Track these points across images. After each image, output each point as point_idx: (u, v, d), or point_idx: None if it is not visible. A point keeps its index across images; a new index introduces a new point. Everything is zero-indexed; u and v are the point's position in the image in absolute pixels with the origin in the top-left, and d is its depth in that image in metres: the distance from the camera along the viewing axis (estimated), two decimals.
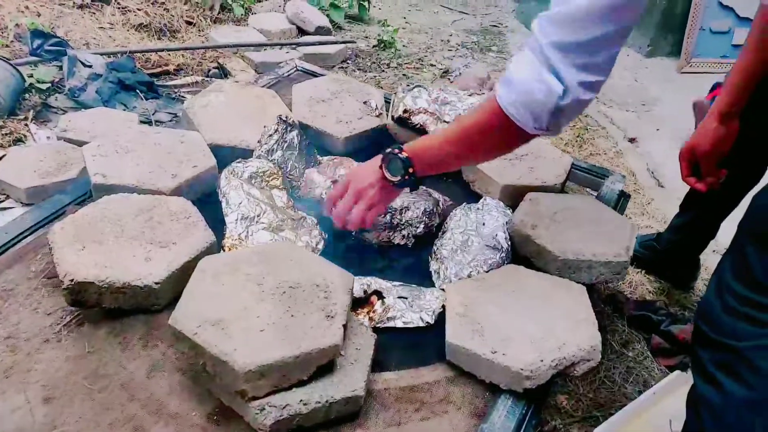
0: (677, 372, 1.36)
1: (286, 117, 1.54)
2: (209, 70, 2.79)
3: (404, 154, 1.09)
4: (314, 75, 2.02)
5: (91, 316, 1.08)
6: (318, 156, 1.58)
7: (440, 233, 1.38)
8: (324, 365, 0.90)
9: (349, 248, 1.36)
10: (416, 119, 1.60)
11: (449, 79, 3.14)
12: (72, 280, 1.02)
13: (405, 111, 1.60)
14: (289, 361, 0.86)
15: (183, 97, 2.45)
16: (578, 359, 0.99)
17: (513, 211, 1.39)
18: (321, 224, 1.37)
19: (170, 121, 2.27)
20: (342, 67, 3.12)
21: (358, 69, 3.13)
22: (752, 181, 1.54)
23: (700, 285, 1.84)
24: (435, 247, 1.34)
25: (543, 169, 1.50)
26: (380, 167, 1.13)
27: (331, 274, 1.00)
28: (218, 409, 0.94)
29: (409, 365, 1.06)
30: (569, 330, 1.02)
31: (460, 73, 3.10)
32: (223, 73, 2.80)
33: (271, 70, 2.16)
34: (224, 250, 1.21)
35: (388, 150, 1.12)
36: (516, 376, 0.96)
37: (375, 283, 1.20)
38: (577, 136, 2.67)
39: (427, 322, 1.12)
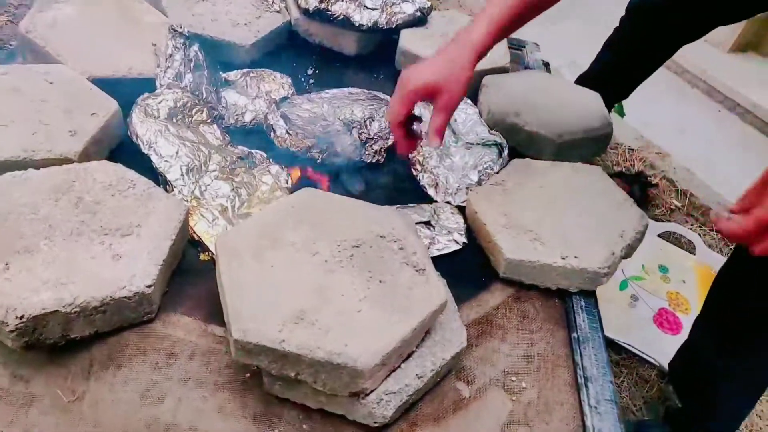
0: None
1: (181, 26, 1.19)
2: None
3: None
4: None
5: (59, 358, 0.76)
6: (221, 73, 1.26)
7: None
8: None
9: (323, 177, 1.14)
10: (337, 9, 1.34)
11: None
12: (21, 317, 0.69)
13: (321, 1, 1.33)
14: (408, 337, 0.69)
15: None
16: (636, 241, 0.97)
17: (472, 101, 1.28)
18: (272, 157, 1.12)
19: None
20: None
21: None
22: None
23: None
24: (412, 155, 1.19)
25: None
26: None
27: (387, 218, 0.81)
28: (302, 415, 0.75)
29: (457, 296, 0.94)
30: (618, 215, 0.99)
31: None
32: None
33: None
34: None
35: None
36: (592, 277, 0.91)
37: None
38: None
39: (463, 242, 1.00)
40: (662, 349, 1.41)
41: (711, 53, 2.44)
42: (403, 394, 0.71)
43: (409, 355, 0.74)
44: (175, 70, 1.13)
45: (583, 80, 1.62)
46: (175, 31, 1.17)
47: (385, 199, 1.09)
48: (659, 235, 1.68)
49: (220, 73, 1.25)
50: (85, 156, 0.94)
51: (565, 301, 0.95)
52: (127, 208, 0.84)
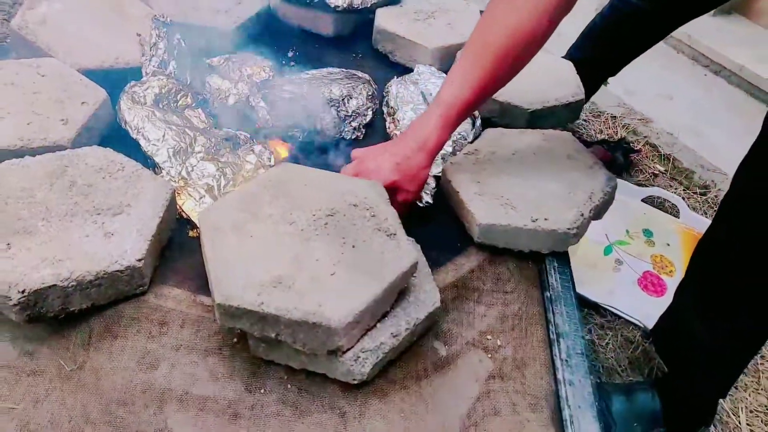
0: None
1: (164, 16, 1.23)
2: None
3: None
4: None
5: (60, 328, 0.82)
6: (205, 59, 1.31)
7: (386, 116, 1.27)
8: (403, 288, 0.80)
9: (305, 154, 1.19)
10: None
11: None
12: (23, 291, 0.75)
13: None
14: (380, 297, 0.74)
15: None
16: (605, 203, 1.01)
17: (444, 71, 1.32)
18: (253, 136, 1.17)
19: None
20: None
21: None
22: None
23: None
24: (390, 130, 1.23)
25: (461, 23, 1.43)
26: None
27: (359, 188, 0.86)
28: (288, 376, 0.81)
29: (433, 260, 0.99)
30: (587, 179, 1.03)
31: None
32: None
33: None
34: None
35: None
36: (562, 238, 0.96)
37: None
38: None
39: (427, 202, 1.05)
40: (647, 311, 1.45)
41: None
42: (379, 351, 0.77)
43: (384, 315, 0.79)
44: (160, 58, 1.18)
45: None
46: (159, 20, 1.21)
47: None
48: (643, 200, 1.72)
49: (204, 59, 1.30)
50: (78, 143, 0.99)
51: (538, 262, 1.00)
52: (118, 190, 0.89)
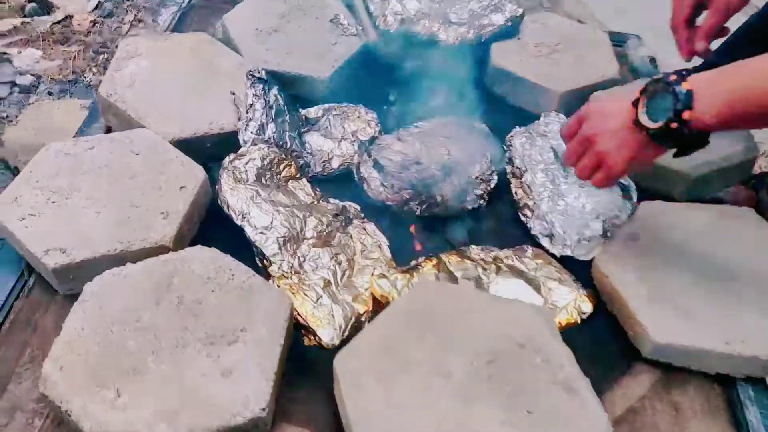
0: None
1: (259, 70, 1.10)
2: (23, 7, 2.08)
3: (683, 87, 0.69)
4: None
5: None
6: (300, 110, 1.17)
7: (511, 177, 1.09)
8: None
9: (427, 231, 1.04)
10: (420, 28, 1.21)
11: None
12: None
13: (403, 21, 1.20)
14: None
15: (5, 54, 1.82)
16: None
17: None
18: (365, 207, 1.03)
19: (11, 94, 1.70)
20: None
21: None
22: None
23: None
24: (519, 197, 1.06)
25: (592, 57, 1.23)
26: (633, 104, 0.74)
27: (522, 316, 0.71)
28: None
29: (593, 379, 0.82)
30: None
31: None
32: (46, 6, 2.10)
33: None
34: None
35: (658, 77, 0.72)
36: (763, 364, 0.78)
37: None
38: None
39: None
40: None
41: None
42: None
43: None
44: (257, 122, 1.05)
45: None
46: (254, 77, 1.08)
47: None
48: None
49: (300, 110, 1.16)
50: (180, 236, 0.88)
51: (729, 389, 0.81)
52: (230, 308, 0.77)
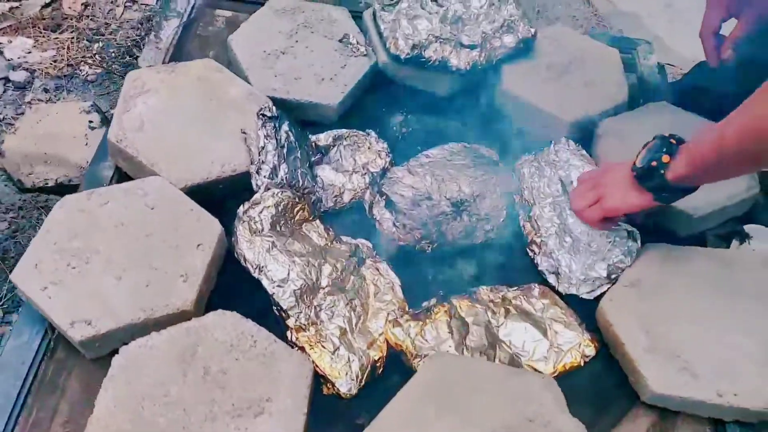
0: None
1: (269, 108, 1.10)
2: None
3: (673, 142, 0.88)
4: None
5: None
6: (310, 136, 1.18)
7: (519, 209, 1.11)
8: None
9: (435, 268, 1.07)
10: (431, 53, 1.19)
11: None
12: None
13: (414, 47, 1.18)
14: None
15: None
16: None
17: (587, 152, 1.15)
18: (377, 245, 1.06)
19: (5, 92, 1.71)
20: None
21: None
22: None
23: None
24: (526, 231, 1.08)
25: (602, 80, 1.22)
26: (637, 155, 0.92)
27: (532, 389, 0.75)
28: None
29: (590, 418, 0.87)
30: None
31: None
32: None
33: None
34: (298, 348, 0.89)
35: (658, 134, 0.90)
36: (754, 414, 0.83)
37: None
38: None
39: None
40: None
41: None
42: None
43: None
44: (270, 165, 1.06)
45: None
46: (264, 116, 1.08)
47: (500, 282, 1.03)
48: None
49: (310, 136, 1.17)
50: (200, 298, 0.91)
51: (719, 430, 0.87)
52: (254, 377, 0.82)
